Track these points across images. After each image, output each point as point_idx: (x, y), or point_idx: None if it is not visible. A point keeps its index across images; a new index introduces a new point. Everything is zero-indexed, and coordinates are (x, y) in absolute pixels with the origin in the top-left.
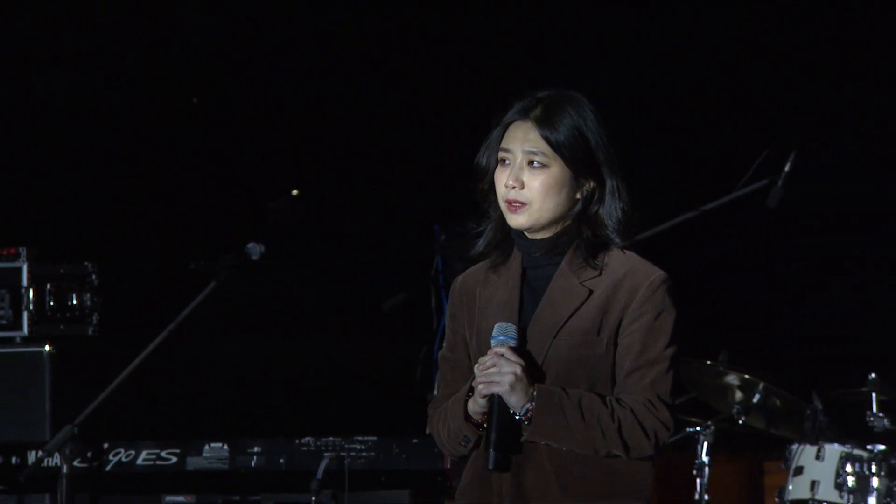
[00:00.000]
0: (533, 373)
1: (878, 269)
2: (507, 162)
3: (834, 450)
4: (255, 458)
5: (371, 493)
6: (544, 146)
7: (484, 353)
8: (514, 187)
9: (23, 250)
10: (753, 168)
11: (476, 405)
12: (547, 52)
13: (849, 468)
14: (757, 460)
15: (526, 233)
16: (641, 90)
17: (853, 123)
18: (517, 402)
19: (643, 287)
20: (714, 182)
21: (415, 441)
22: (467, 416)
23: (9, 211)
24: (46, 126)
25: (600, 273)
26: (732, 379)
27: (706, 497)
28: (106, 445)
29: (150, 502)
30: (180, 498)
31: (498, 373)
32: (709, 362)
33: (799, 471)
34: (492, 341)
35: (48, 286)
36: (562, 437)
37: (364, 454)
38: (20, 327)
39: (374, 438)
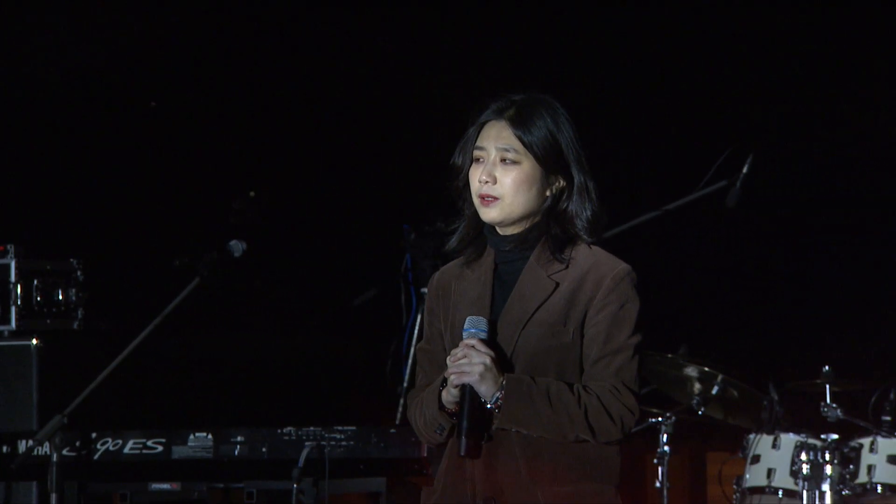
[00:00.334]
0: (503, 363)
1: (832, 266)
2: (482, 160)
3: (789, 439)
4: (238, 447)
5: (350, 480)
6: (517, 144)
7: (457, 346)
8: (487, 182)
9: (11, 247)
10: (713, 170)
11: (449, 395)
12: (512, 56)
13: (803, 456)
14: (701, 450)
15: (497, 228)
16: (605, 95)
17: (807, 127)
18: (487, 391)
19: (608, 279)
20: (676, 183)
21: (392, 431)
22: (441, 406)
23: None
24: (35, 128)
25: (567, 266)
26: (692, 371)
27: (667, 484)
28: (94, 435)
29: (136, 490)
30: (166, 485)
31: (468, 363)
32: (669, 355)
33: (756, 459)
34: (463, 334)
35: (35, 282)
36: (531, 424)
37: (343, 443)
38: (8, 321)
39: (353, 428)
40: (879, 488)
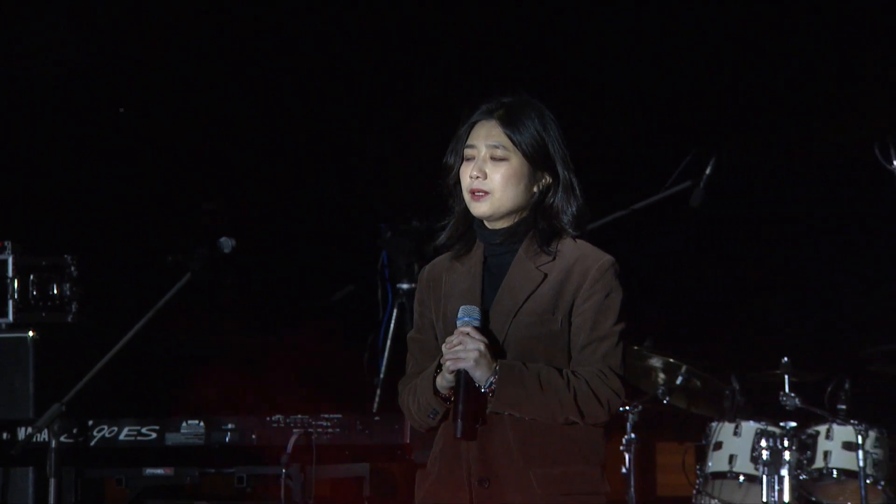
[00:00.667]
0: (495, 350)
1: (790, 264)
2: (472, 157)
3: (750, 426)
4: (229, 433)
5: (336, 465)
6: (506, 141)
7: (450, 334)
8: (477, 177)
9: (8, 244)
10: (678, 172)
11: (444, 380)
12: (484, 59)
13: (763, 443)
14: (650, 440)
15: (486, 222)
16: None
17: (769, 130)
18: (482, 376)
19: (593, 270)
20: (643, 184)
21: (376, 418)
22: (436, 391)
23: None
24: (31, 132)
25: (554, 258)
26: (657, 362)
27: (633, 470)
28: (91, 422)
29: (131, 475)
30: (160, 471)
31: (464, 349)
32: (636, 347)
33: (718, 446)
34: (458, 322)
35: (31, 277)
36: (523, 407)
37: (329, 430)
38: (6, 315)
39: (339, 416)
40: (835, 473)
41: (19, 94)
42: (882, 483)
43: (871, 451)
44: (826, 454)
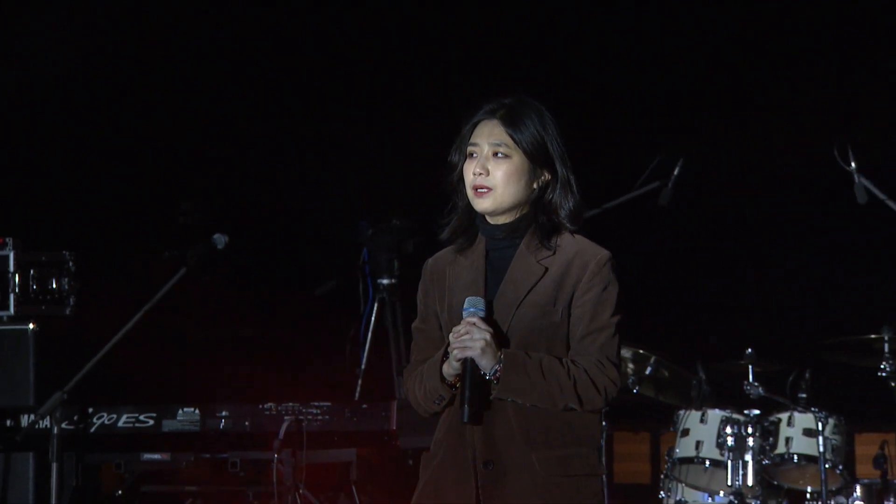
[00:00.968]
0: (499, 340)
1: (754, 259)
2: (475, 155)
3: (715, 414)
4: (223, 420)
5: (325, 450)
6: (508, 140)
7: (455, 325)
8: (480, 174)
9: (9, 240)
10: (647, 172)
11: (450, 368)
12: (459, 59)
13: (728, 430)
14: (609, 431)
15: (489, 217)
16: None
17: (731, 133)
18: (487, 364)
19: (592, 263)
20: (614, 184)
21: (364, 406)
22: (442, 378)
23: None
24: (31, 132)
25: (554, 253)
26: (626, 353)
27: (603, 459)
28: (90, 409)
29: (129, 460)
30: (157, 456)
31: (471, 339)
32: None
33: (686, 433)
34: (463, 312)
35: (32, 271)
36: (525, 394)
37: (319, 417)
38: (7, 307)
39: (328, 404)
40: (796, 458)
41: (19, 93)
42: (840, 467)
43: (830, 437)
44: (788, 440)
